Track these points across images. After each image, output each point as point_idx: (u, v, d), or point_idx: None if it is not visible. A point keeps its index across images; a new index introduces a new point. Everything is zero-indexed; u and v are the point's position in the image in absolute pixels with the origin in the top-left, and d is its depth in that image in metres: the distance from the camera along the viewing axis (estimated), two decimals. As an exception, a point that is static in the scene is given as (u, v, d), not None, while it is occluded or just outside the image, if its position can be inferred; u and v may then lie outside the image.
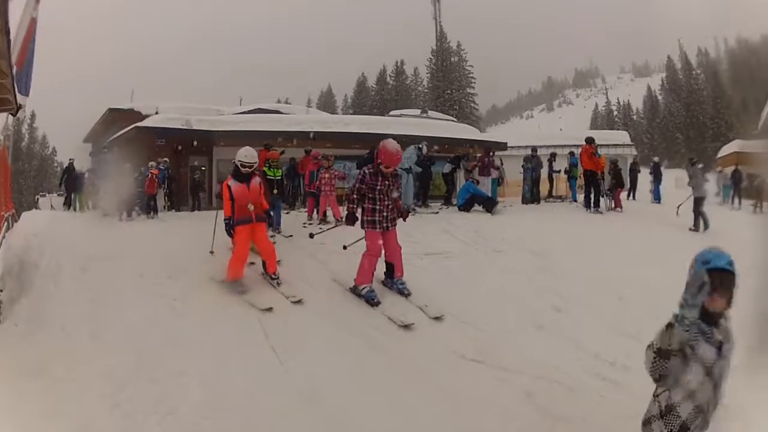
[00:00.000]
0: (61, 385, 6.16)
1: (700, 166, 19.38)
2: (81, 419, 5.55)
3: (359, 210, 9.73)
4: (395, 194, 9.95)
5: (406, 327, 8.42)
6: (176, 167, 23.01)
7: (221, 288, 9.53)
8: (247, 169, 10.11)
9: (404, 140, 17.45)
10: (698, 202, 17.36)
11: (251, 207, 9.94)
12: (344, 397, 6.30)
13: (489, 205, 17.39)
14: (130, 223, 16.32)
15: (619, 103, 67.70)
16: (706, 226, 16.92)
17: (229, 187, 10.01)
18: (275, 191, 13.79)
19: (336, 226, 13.28)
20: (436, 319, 8.68)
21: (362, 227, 9.69)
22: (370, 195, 9.62)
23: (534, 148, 23.14)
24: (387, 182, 9.67)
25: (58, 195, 29.64)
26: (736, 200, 24.47)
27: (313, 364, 6.96)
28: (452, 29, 58.72)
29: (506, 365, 7.23)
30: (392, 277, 9.91)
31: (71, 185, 23.99)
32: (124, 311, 8.31)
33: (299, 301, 9.07)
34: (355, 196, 9.72)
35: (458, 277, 10.41)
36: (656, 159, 28.39)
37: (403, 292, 9.66)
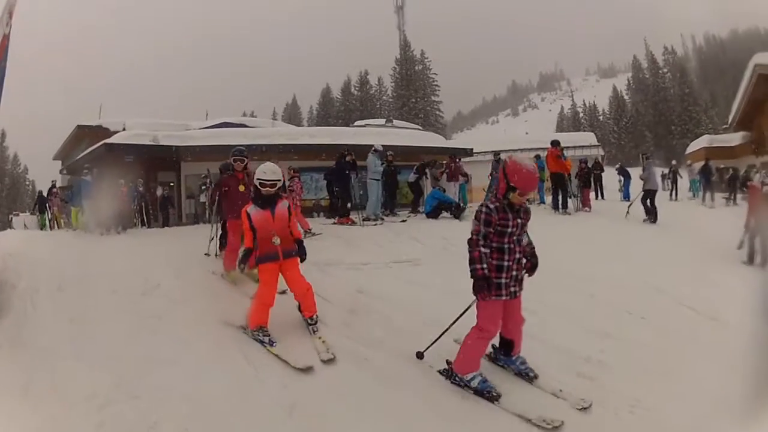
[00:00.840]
0: (45, 405, 6.20)
1: (652, 160, 20.73)
2: None
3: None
4: (525, 239, 6.93)
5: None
6: (146, 184, 22.97)
7: (197, 304, 9.56)
8: (268, 189, 8.14)
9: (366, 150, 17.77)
10: (650, 194, 18.38)
11: (277, 240, 8.08)
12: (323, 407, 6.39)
13: (457, 211, 17.59)
14: (103, 241, 16.25)
15: (584, 104, 68.33)
16: (655, 219, 17.92)
17: (248, 214, 8.10)
18: None
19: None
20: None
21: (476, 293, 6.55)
22: (495, 243, 6.63)
23: (496, 153, 23.43)
24: (519, 221, 6.68)
25: (31, 214, 29.66)
26: (708, 196, 25.15)
27: (289, 376, 7.06)
28: (416, 38, 59.21)
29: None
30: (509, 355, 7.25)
31: (42, 206, 24.43)
32: (103, 329, 8.33)
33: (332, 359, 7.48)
34: (481, 243, 6.49)
35: (426, 283, 10.38)
36: (620, 163, 29.26)
37: (527, 374, 7.08)
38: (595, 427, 5.96)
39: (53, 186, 25.65)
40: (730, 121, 34.09)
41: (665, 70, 61.91)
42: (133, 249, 14.51)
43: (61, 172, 34.27)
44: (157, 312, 9.07)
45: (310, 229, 14.93)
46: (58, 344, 7.80)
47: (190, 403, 6.33)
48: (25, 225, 27.93)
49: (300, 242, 8.39)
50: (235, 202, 10.72)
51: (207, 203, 15.89)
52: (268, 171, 8.12)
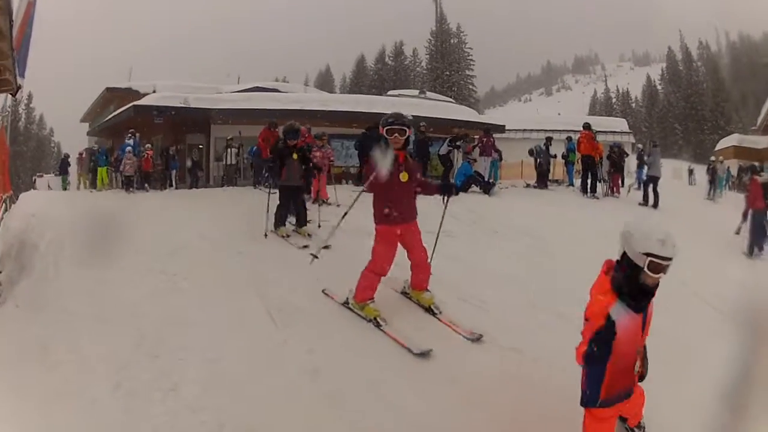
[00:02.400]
0: (64, 366, 6.15)
1: (659, 148, 20.73)
2: (84, 400, 5.53)
3: None
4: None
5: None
6: (174, 145, 22.98)
7: (223, 266, 9.57)
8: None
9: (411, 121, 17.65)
10: (653, 180, 18.59)
11: None
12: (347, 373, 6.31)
13: (487, 187, 17.46)
14: (128, 201, 16.37)
15: (618, 90, 67.69)
16: (656, 205, 18.15)
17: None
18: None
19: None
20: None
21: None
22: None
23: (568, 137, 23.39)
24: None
25: (55, 175, 29.95)
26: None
27: (313, 339, 6.97)
28: (452, 11, 58.55)
29: (514, 345, 7.13)
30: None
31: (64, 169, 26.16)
32: (125, 289, 8.29)
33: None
34: None
35: (459, 256, 10.28)
36: (640, 146, 28.85)
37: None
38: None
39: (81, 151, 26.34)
40: (758, 123, 33.83)
41: (699, 63, 61.26)
42: (160, 210, 14.54)
43: (88, 134, 34.50)
44: (183, 273, 9.06)
45: (327, 199, 15.15)
46: (78, 305, 7.75)
47: (211, 365, 6.28)
48: (48, 186, 28.18)
49: None
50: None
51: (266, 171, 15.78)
52: None
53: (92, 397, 5.62)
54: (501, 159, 21.87)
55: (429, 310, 7.41)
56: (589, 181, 19.45)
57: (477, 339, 7.10)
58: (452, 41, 58.45)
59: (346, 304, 7.74)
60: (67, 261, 9.42)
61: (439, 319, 7.56)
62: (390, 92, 40.27)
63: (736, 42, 65.87)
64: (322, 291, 8.24)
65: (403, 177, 7.41)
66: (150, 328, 7.07)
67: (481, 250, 11.06)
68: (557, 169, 23.24)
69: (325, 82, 61.58)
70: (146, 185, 20.49)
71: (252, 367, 6.29)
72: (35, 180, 33.76)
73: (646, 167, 19.61)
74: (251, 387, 5.89)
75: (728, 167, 28.42)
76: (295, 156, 12.19)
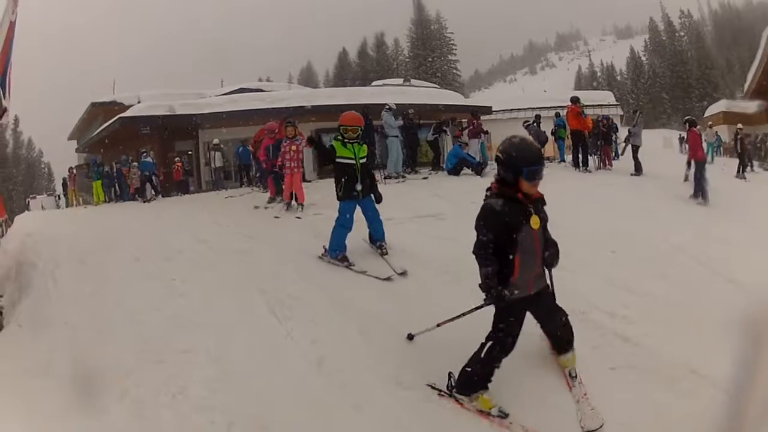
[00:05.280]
0: (68, 381, 6.10)
1: (643, 118, 21.48)
2: (93, 411, 5.51)
3: None
4: None
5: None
6: (163, 154, 23.18)
7: (220, 267, 9.59)
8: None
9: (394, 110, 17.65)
10: (635, 150, 19.22)
11: None
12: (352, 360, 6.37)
13: (478, 168, 17.53)
14: (121, 212, 16.61)
15: (602, 64, 68.15)
16: (641, 172, 18.65)
17: None
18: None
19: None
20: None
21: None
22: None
23: (557, 113, 23.76)
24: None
25: (48, 195, 30.23)
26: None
27: (315, 329, 7.05)
28: (431, -1, 58.74)
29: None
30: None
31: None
32: (125, 297, 8.28)
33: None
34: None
35: (449, 236, 10.24)
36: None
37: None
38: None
39: (71, 169, 26.64)
40: (745, 89, 34.06)
41: (682, 33, 61.55)
42: (154, 217, 14.72)
43: (76, 151, 34.55)
44: (181, 276, 9.05)
45: (302, 204, 13.92)
46: (80, 318, 7.71)
47: (216, 364, 6.29)
48: (42, 206, 28.32)
49: None
50: None
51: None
52: None
53: (101, 408, 5.58)
54: (488, 140, 21.96)
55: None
56: (580, 155, 19.48)
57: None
58: (432, 27, 58.64)
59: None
60: (65, 276, 9.37)
61: None
62: (375, 83, 40.27)
63: (718, 10, 66.27)
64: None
65: None
66: (152, 333, 7.06)
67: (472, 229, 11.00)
68: (548, 145, 23.31)
69: (308, 78, 61.70)
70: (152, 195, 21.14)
71: (257, 362, 6.30)
72: (28, 202, 33.96)
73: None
74: (258, 383, 5.90)
75: (716, 132, 28.60)
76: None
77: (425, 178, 17.59)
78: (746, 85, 33.97)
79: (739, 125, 24.38)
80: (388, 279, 8.66)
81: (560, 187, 15.10)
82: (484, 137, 21.03)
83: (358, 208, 9.62)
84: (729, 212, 13.86)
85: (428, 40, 57.28)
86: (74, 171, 26.99)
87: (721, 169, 22.44)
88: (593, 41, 79.34)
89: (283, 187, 14.39)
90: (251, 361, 6.32)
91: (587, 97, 31.26)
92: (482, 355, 5.45)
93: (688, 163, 16.92)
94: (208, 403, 5.63)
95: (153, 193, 20.87)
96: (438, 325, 6.34)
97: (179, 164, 23.64)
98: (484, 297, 5.50)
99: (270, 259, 9.88)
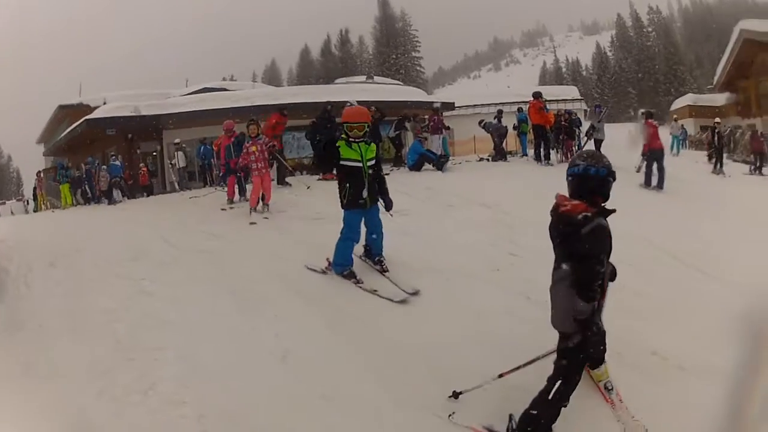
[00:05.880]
0: (48, 381, 6.24)
1: (607, 113, 22.26)
2: (71, 412, 5.63)
3: None
4: None
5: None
6: (128, 154, 23.22)
7: (186, 265, 9.79)
8: None
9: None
10: (598, 143, 19.92)
11: None
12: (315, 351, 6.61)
13: (439, 163, 17.76)
14: (89, 215, 16.61)
15: (567, 60, 68.48)
16: None
17: None
18: None
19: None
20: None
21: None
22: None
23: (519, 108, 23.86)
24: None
25: (17, 200, 30.10)
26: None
27: (278, 323, 7.29)
28: (396, -5, 58.80)
29: (470, 305, 7.65)
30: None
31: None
32: (96, 298, 8.40)
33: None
34: None
35: (414, 230, 10.65)
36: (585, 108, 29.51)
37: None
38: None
39: (39, 173, 26.53)
40: (715, 82, 34.75)
41: (650, 29, 62.14)
42: (122, 219, 14.86)
43: (44, 154, 34.38)
44: (149, 276, 9.19)
45: (267, 204, 13.61)
46: (53, 320, 7.83)
47: (185, 361, 6.44)
48: (11, 212, 28.18)
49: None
50: None
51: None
52: None
53: (79, 407, 5.72)
54: (450, 135, 22.23)
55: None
56: (542, 149, 19.81)
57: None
58: (398, 25, 58.66)
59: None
60: (37, 280, 9.45)
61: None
62: (338, 80, 40.38)
63: (689, 6, 67.03)
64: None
65: None
66: (123, 332, 7.20)
67: (436, 223, 11.41)
68: (510, 140, 23.61)
69: (272, 77, 61.51)
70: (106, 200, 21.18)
71: (225, 357, 6.48)
72: (-3, 208, 33.62)
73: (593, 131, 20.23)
74: (226, 376, 6.09)
75: (682, 126, 29.19)
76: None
77: (387, 174, 17.75)
78: (716, 78, 34.63)
79: (717, 120, 24.91)
80: (402, 302, 7.84)
81: (523, 182, 15.44)
82: (446, 133, 21.24)
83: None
84: (699, 204, 14.23)
85: (393, 37, 57.31)
86: (42, 175, 26.93)
87: (695, 162, 23.55)
88: (559, 37, 79.79)
89: (251, 191, 13.74)
90: (219, 357, 6.49)
91: (551, 92, 31.54)
92: (550, 397, 4.95)
93: (643, 155, 17.50)
94: (179, 398, 5.77)
95: (120, 196, 20.93)
96: (500, 376, 5.57)
97: (144, 169, 23.79)
98: (580, 336, 4.90)
99: (235, 258, 10.08)
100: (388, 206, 8.86)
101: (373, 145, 8.69)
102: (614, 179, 5.06)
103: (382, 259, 8.89)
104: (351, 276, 8.49)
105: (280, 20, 59.95)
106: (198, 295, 8.30)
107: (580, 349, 4.93)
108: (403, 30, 58.51)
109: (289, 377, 6.13)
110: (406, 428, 5.41)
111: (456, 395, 5.58)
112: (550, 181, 15.48)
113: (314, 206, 13.10)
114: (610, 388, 5.67)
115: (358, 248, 8.98)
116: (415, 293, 7.96)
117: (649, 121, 17.80)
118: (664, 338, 6.54)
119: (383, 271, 8.72)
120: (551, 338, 5.15)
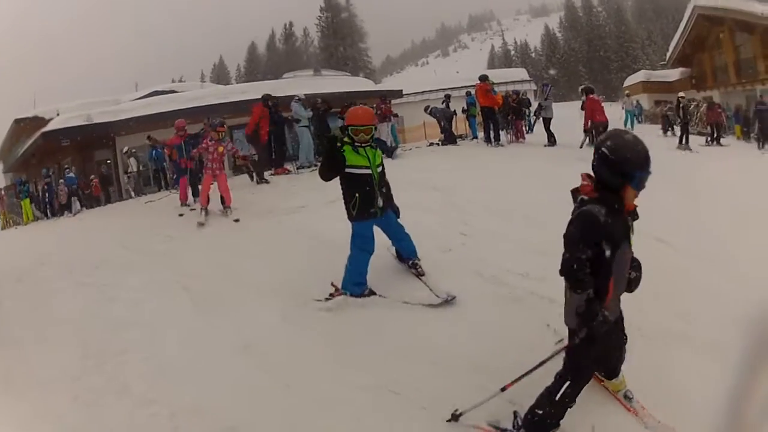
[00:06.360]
0: (26, 392, 6.41)
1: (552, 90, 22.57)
2: (52, 418, 5.83)
3: None
4: None
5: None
6: (83, 164, 23.24)
7: (145, 269, 10.03)
8: None
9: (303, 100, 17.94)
10: (547, 122, 20.37)
11: None
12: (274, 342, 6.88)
13: (389, 150, 18.19)
14: (50, 228, 16.82)
15: (516, 43, 68.54)
16: (555, 143, 19.66)
17: None
18: None
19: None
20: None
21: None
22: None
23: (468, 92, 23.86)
24: None
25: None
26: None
27: (238, 319, 7.54)
28: (340, -16, 58.52)
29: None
30: None
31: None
32: (63, 307, 8.65)
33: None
34: None
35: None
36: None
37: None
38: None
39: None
40: (668, 57, 35.34)
41: (600, 9, 62.51)
42: (81, 230, 14.95)
43: (3, 172, 33.99)
44: (111, 281, 9.44)
45: (229, 207, 13.33)
46: (24, 331, 8.01)
47: (152, 361, 6.68)
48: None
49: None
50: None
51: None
52: None
53: (58, 414, 5.90)
54: (398, 122, 22.47)
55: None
56: (491, 131, 20.10)
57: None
58: (342, 15, 58.46)
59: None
60: (6, 296, 9.54)
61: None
62: (285, 75, 40.29)
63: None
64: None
65: None
66: (91, 338, 7.42)
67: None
68: (460, 123, 23.88)
69: (221, 75, 61.13)
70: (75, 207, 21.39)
71: (189, 354, 6.73)
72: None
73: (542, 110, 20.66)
74: (192, 372, 6.34)
75: (636, 101, 29.85)
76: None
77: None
78: (669, 54, 35.21)
79: (681, 94, 24.74)
80: (443, 304, 7.31)
81: (473, 164, 15.71)
82: (395, 120, 21.47)
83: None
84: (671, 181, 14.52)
85: (339, 28, 57.17)
86: (2, 192, 26.89)
87: (656, 137, 23.48)
88: (507, 21, 79.61)
89: (200, 188, 13.58)
90: (183, 354, 6.75)
91: (500, 74, 31.98)
92: (557, 398, 4.80)
93: (586, 131, 18.31)
94: (149, 397, 6.00)
95: (78, 206, 20.99)
96: (503, 390, 5.15)
97: (95, 180, 23.91)
98: (582, 328, 4.71)
99: (190, 258, 10.37)
100: (396, 215, 8.19)
101: (379, 150, 8.03)
102: (644, 172, 4.57)
103: (416, 261, 8.28)
104: (371, 294, 7.71)
105: (226, 17, 59.30)
106: (157, 297, 8.56)
107: (588, 343, 4.70)
108: (349, 20, 58.29)
109: (251, 369, 6.36)
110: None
111: (456, 417, 5.23)
112: (500, 163, 15.90)
113: (266, 203, 13.47)
114: (630, 396, 5.48)
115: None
116: (452, 299, 7.32)
117: (591, 96, 18.34)
118: (651, 315, 6.74)
119: (419, 274, 8.14)
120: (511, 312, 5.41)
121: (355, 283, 7.64)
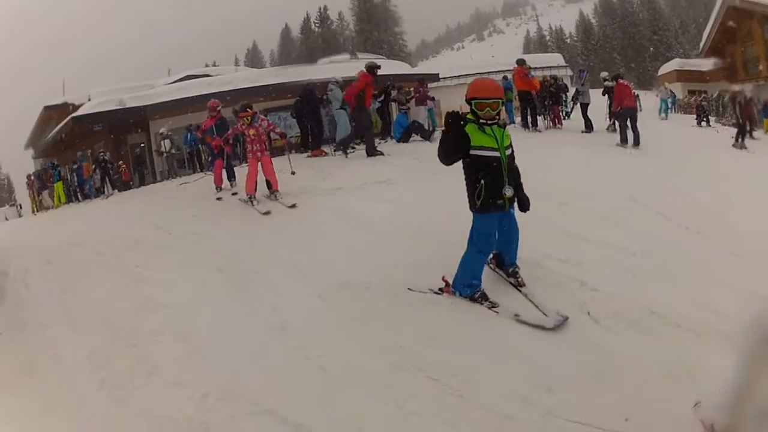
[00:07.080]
0: (51, 377, 6.37)
1: (588, 76, 22.66)
2: (75, 404, 5.77)
3: None
4: None
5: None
6: (116, 148, 23.23)
7: (177, 247, 9.91)
8: None
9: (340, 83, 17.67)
10: (584, 107, 19.96)
11: None
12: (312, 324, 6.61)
13: (426, 133, 17.75)
14: (81, 210, 16.82)
15: (551, 28, 67.96)
16: (591, 129, 19.26)
17: None
18: None
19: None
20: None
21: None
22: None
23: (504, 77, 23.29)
24: None
25: (10, 206, 30.05)
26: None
27: (273, 298, 7.30)
28: (373, -28, 58.32)
29: None
30: None
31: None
32: (93, 290, 8.52)
33: None
34: None
35: (396, 199, 10.62)
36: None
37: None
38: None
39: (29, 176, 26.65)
40: (701, 48, 34.86)
41: (632, -5, 61.96)
42: (116, 211, 14.82)
43: (34, 157, 34.23)
44: (143, 263, 9.29)
45: (278, 190, 12.36)
46: (53, 317, 7.95)
47: (185, 342, 6.52)
48: (5, 217, 28.19)
49: None
50: None
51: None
52: None
53: (81, 399, 5.81)
54: (435, 106, 22.17)
55: None
56: (529, 116, 19.69)
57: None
58: (376, 1, 58.27)
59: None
60: (35, 279, 9.58)
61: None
62: (321, 60, 40.14)
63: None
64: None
65: None
66: (122, 320, 7.29)
67: (422, 190, 11.14)
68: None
69: (254, 60, 61.10)
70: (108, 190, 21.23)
71: (223, 334, 6.56)
72: (-9, 215, 33.66)
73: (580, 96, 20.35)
74: (226, 353, 6.15)
75: (670, 90, 29.42)
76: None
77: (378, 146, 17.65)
78: (702, 44, 34.77)
79: (734, 86, 24.01)
80: (553, 328, 6.14)
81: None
82: (432, 104, 21.19)
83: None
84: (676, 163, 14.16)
85: (372, 14, 57.01)
86: (32, 177, 26.99)
87: (691, 126, 23.17)
88: (541, 6, 78.88)
89: (247, 177, 12.27)
90: (217, 334, 6.56)
91: (536, 59, 31.45)
92: None
93: (611, 115, 18.53)
94: (181, 378, 5.83)
95: (111, 189, 20.98)
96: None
97: (124, 166, 23.89)
98: None
99: (225, 239, 10.12)
100: (525, 206, 6.98)
101: (507, 130, 6.85)
102: None
103: (517, 269, 7.10)
104: (483, 298, 6.65)
105: (261, 1, 59.25)
106: (191, 278, 8.38)
107: None
108: (383, 6, 58.09)
109: (287, 350, 6.14)
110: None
111: None
112: (539, 147, 15.60)
113: (303, 184, 12.97)
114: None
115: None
116: (565, 319, 6.19)
117: (620, 81, 17.86)
118: (659, 297, 6.50)
119: (519, 285, 6.99)
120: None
121: (468, 284, 6.71)
